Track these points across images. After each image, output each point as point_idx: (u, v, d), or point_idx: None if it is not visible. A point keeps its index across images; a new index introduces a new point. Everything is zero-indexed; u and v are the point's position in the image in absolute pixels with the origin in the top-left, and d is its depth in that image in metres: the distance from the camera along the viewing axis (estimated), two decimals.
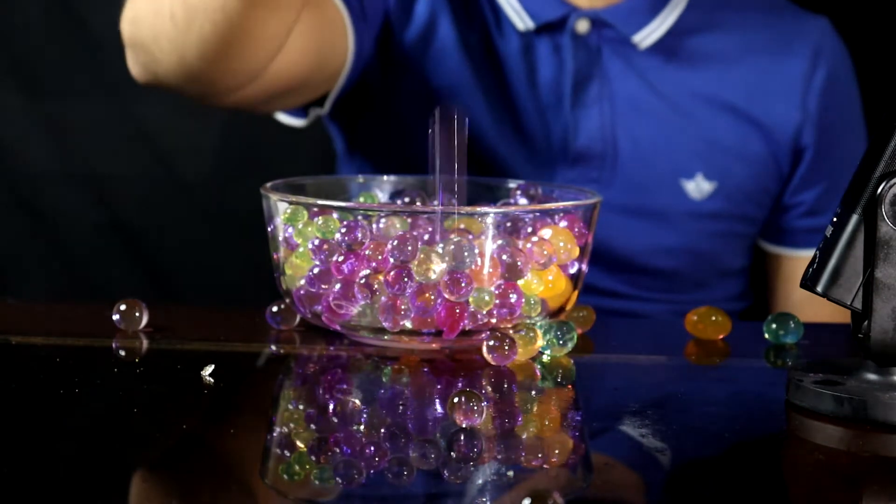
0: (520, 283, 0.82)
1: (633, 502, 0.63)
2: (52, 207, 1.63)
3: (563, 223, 0.86)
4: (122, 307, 0.87)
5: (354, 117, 1.25)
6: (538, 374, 0.80)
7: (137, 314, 0.87)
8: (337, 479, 0.63)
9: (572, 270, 0.86)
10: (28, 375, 0.79)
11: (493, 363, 0.80)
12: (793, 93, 1.24)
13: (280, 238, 0.86)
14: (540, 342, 0.82)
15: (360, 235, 0.81)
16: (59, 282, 1.65)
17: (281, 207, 0.85)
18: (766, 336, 0.89)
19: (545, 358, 0.83)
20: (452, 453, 0.66)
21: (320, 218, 0.83)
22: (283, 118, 1.25)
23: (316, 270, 0.82)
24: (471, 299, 0.81)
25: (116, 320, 0.87)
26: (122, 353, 0.84)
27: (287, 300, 0.88)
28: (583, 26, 1.20)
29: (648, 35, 1.21)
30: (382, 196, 0.97)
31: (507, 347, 0.80)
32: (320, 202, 0.84)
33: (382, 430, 0.70)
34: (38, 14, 1.60)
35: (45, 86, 1.62)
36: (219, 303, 1.59)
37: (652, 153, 1.22)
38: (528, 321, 0.83)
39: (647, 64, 1.22)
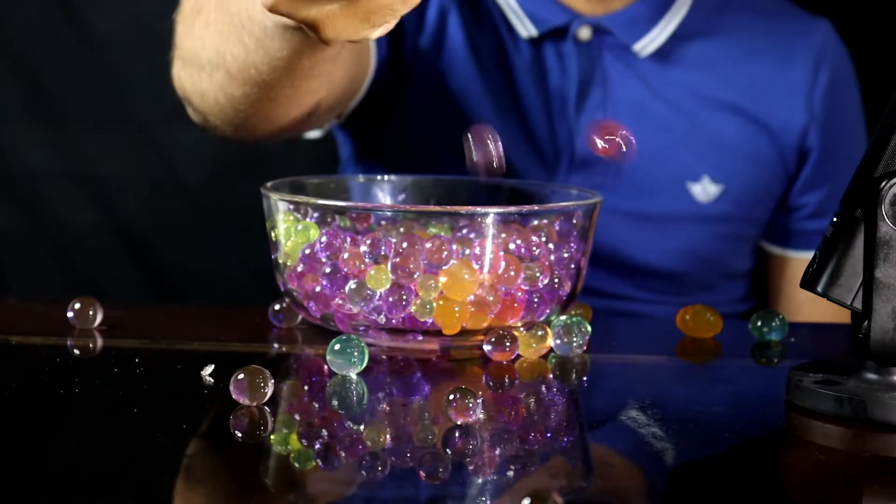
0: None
1: (632, 502, 0.63)
2: (52, 207, 1.63)
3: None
4: (77, 305, 0.88)
5: (365, 124, 1.25)
6: (538, 373, 0.80)
7: (91, 313, 0.87)
8: (337, 479, 0.63)
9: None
10: (28, 375, 0.79)
11: (495, 359, 0.80)
12: (797, 95, 1.24)
13: (280, 238, 0.86)
14: (550, 341, 0.82)
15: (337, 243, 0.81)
16: (59, 282, 1.65)
17: (281, 207, 0.85)
18: (752, 333, 0.90)
19: (551, 356, 0.83)
20: (452, 453, 0.66)
21: (301, 223, 0.83)
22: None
23: (300, 268, 0.83)
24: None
25: (71, 318, 0.88)
26: (123, 353, 0.84)
27: (287, 300, 0.88)
28: (585, 33, 1.20)
29: (649, 43, 1.21)
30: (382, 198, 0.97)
31: (507, 344, 0.80)
32: (320, 202, 0.84)
33: (383, 430, 0.70)
34: (38, 14, 1.60)
35: (45, 86, 1.62)
36: (219, 303, 1.59)
37: (657, 157, 1.21)
38: (537, 320, 0.83)
39: (649, 69, 1.22)
